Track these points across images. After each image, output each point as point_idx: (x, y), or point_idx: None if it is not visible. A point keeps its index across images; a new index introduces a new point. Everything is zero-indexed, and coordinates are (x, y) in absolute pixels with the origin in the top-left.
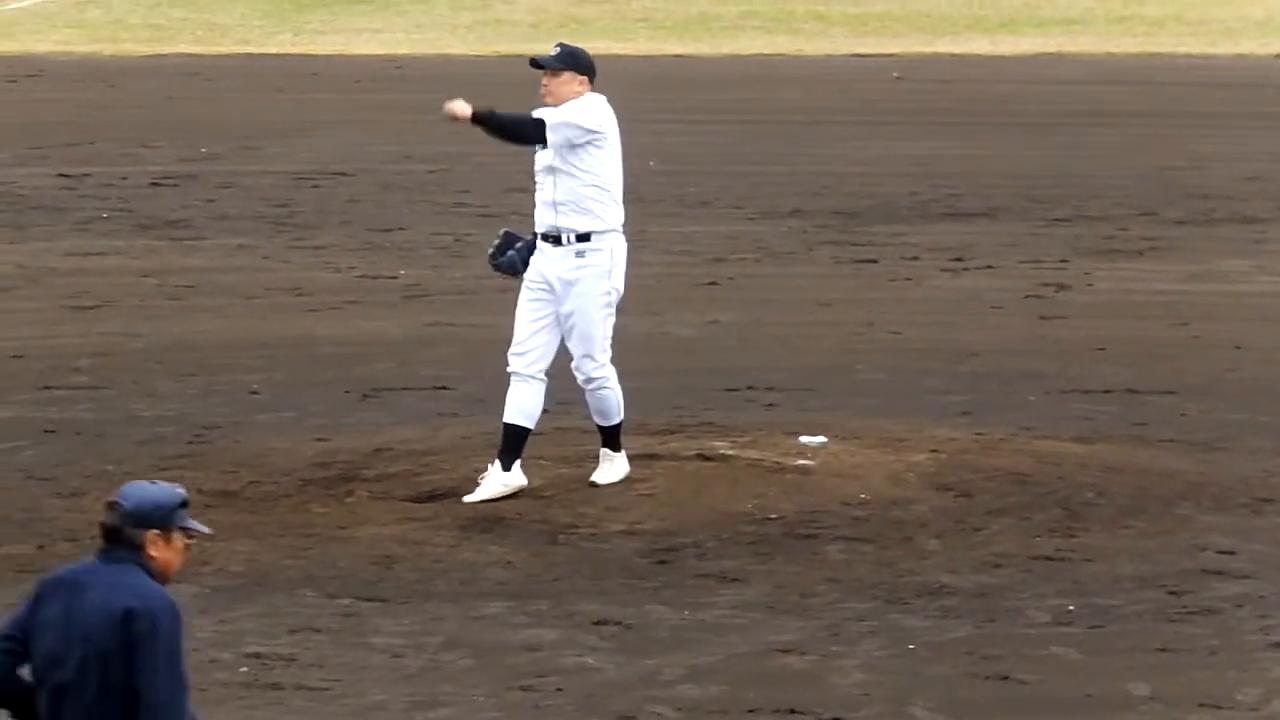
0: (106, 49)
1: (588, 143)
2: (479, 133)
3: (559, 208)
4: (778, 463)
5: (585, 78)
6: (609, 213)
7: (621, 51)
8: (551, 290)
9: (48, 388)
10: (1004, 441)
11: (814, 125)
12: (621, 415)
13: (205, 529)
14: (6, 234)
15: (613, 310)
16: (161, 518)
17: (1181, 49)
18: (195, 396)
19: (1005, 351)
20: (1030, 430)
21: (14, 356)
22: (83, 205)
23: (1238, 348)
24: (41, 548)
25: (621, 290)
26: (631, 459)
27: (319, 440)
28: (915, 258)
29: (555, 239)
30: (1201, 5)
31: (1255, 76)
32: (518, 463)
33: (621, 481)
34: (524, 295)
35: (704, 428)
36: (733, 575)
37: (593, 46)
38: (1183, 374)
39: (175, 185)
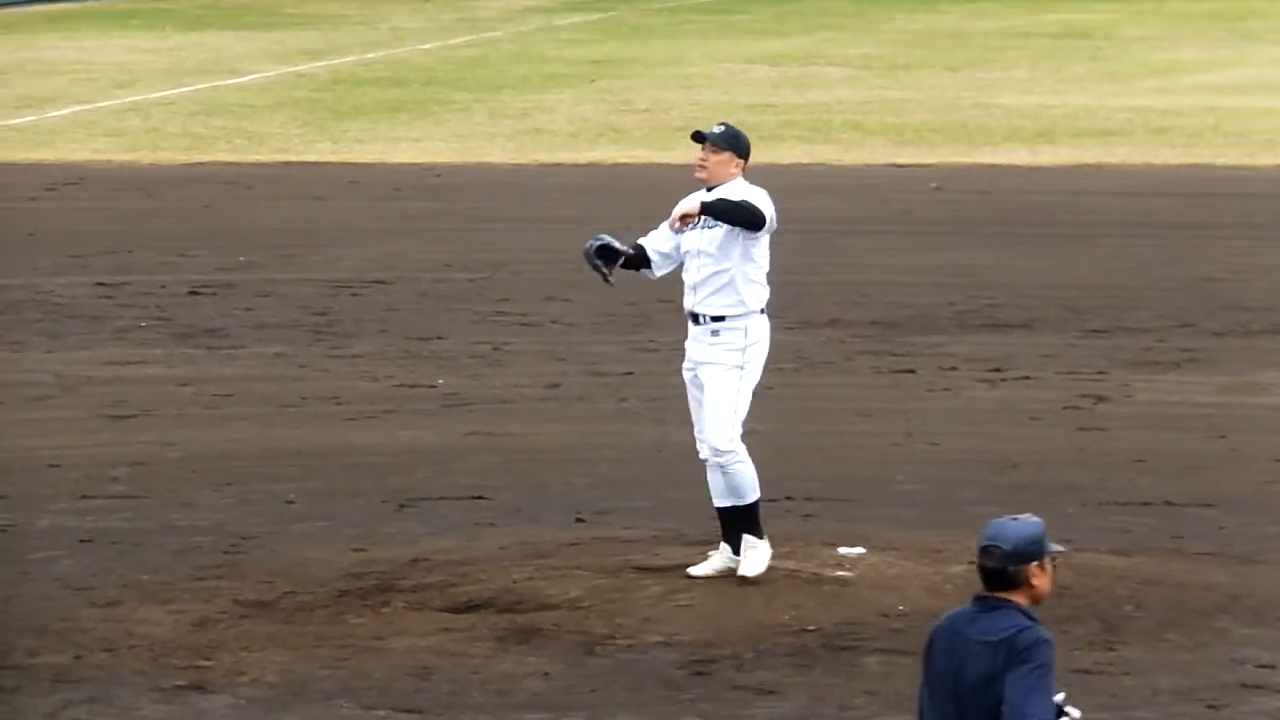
0: (145, 157)
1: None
2: (519, 239)
3: (698, 289)
4: (815, 574)
5: (743, 162)
6: (752, 295)
7: (661, 160)
8: (695, 369)
9: (85, 497)
10: None
11: (852, 234)
12: (757, 493)
13: (1062, 548)
14: (44, 343)
15: (746, 388)
16: (1038, 549)
17: (1221, 160)
18: (231, 506)
19: (1043, 463)
20: (1069, 542)
21: (51, 465)
22: (121, 314)
23: (1276, 460)
24: (79, 657)
25: (759, 371)
26: (667, 570)
27: (355, 550)
28: (953, 368)
29: (694, 318)
30: (1241, 116)
31: None
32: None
33: (713, 574)
34: (688, 384)
35: None
36: (770, 687)
37: (632, 155)
38: (1221, 486)
39: (213, 294)
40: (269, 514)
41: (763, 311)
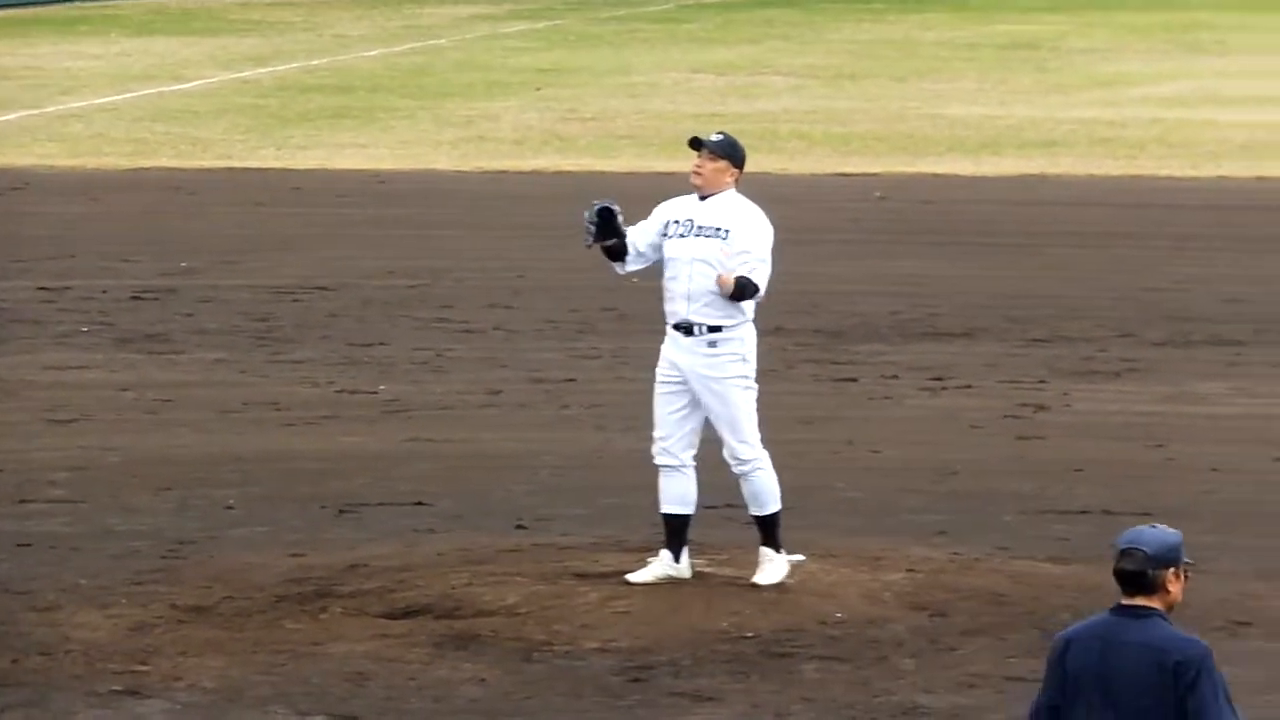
0: (89, 163)
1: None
2: (462, 246)
3: (692, 298)
4: (755, 581)
5: (738, 172)
6: (748, 304)
7: (606, 169)
8: (685, 379)
9: (24, 501)
10: (980, 561)
11: (797, 244)
12: (779, 505)
13: (1191, 561)
14: None
15: (753, 391)
16: (1176, 556)
17: (1164, 171)
18: (170, 511)
19: (983, 471)
20: (1007, 550)
21: None
22: (62, 318)
23: (1214, 470)
24: (15, 661)
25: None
26: (606, 576)
27: (294, 556)
28: (895, 376)
29: (687, 329)
30: (1184, 128)
31: (1237, 199)
32: (684, 551)
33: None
34: (659, 388)
35: None
36: (708, 694)
37: (577, 163)
38: (1159, 495)
39: (155, 299)
40: (208, 519)
41: (752, 321)
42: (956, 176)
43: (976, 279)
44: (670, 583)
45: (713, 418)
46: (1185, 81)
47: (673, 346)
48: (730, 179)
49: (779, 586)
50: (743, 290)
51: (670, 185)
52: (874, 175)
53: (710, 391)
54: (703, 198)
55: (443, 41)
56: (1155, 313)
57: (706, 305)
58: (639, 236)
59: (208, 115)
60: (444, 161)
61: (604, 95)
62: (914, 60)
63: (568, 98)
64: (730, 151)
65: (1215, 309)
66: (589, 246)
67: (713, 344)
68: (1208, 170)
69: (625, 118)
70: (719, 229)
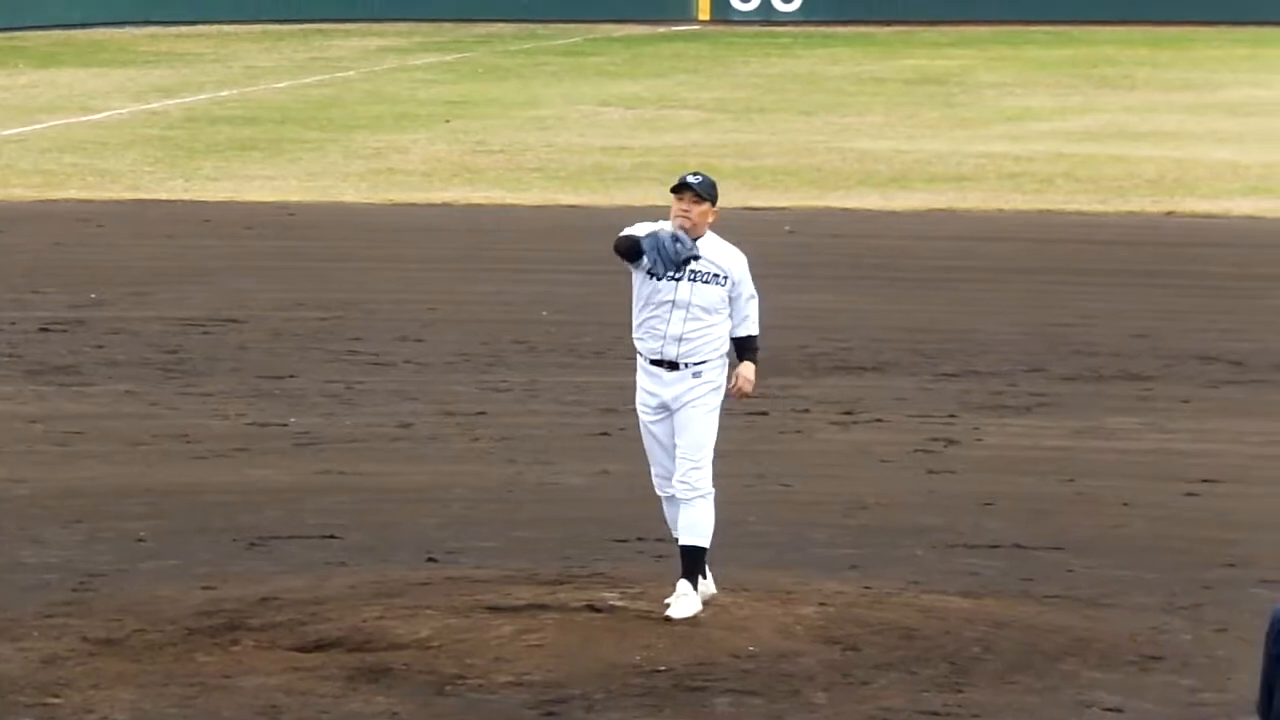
0: None
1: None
2: (372, 278)
3: (682, 342)
4: (667, 614)
5: (716, 211)
6: (727, 339)
7: (516, 201)
8: (666, 409)
9: None
10: (891, 595)
11: None
12: (708, 541)
13: None
14: None
15: (716, 421)
16: None
17: (1071, 206)
18: (81, 543)
19: (893, 505)
20: (918, 584)
21: None
22: None
23: (1125, 504)
24: None
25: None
26: (519, 610)
27: (205, 589)
28: (806, 410)
29: (672, 365)
30: (1092, 163)
31: (1145, 234)
32: (709, 577)
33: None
34: (643, 424)
35: (594, 578)
36: None
37: (486, 196)
38: (1070, 530)
39: (64, 331)
40: (119, 552)
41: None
42: (865, 210)
43: (886, 313)
44: (583, 616)
45: (679, 440)
46: (1093, 116)
47: (652, 380)
48: (712, 219)
49: (691, 620)
50: (756, 354)
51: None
52: (783, 209)
53: (686, 414)
54: (692, 239)
55: (351, 73)
56: (1065, 347)
57: (695, 346)
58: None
59: (116, 147)
60: (353, 193)
61: (513, 128)
62: (821, 94)
63: (477, 130)
64: (712, 192)
65: (1124, 344)
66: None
67: (697, 374)
68: (1115, 205)
69: (534, 150)
70: (718, 275)
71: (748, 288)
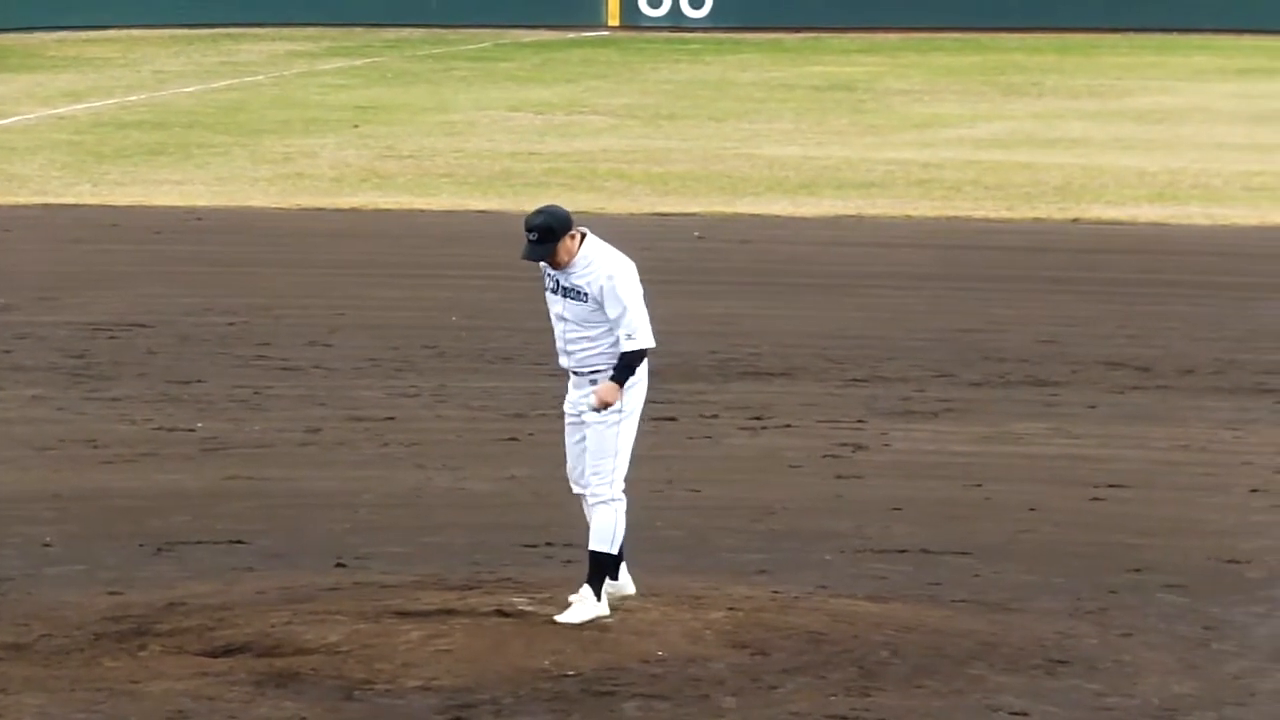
0: None
1: None
2: (281, 284)
3: (570, 354)
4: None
5: (573, 231)
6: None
7: (424, 206)
8: (578, 412)
9: None
10: (800, 600)
11: None
12: (612, 549)
13: None
14: None
15: (627, 432)
16: None
17: (979, 213)
18: None
19: (802, 510)
20: (826, 589)
21: None
22: None
23: (1032, 509)
24: None
25: (639, 411)
26: (428, 615)
27: (112, 594)
28: (715, 416)
29: (574, 373)
30: (1000, 169)
31: (1052, 241)
32: (622, 578)
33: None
34: (566, 422)
35: (502, 583)
36: None
37: (396, 201)
38: (976, 535)
39: None
40: (25, 556)
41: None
42: (774, 217)
43: (795, 319)
44: (492, 621)
45: (587, 446)
46: (1001, 123)
47: (568, 383)
48: (573, 241)
49: (600, 625)
50: (629, 369)
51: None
52: (692, 215)
53: (587, 422)
54: (564, 268)
55: (260, 78)
56: (972, 353)
57: (583, 356)
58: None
59: (23, 152)
60: (261, 198)
61: (421, 133)
62: (730, 101)
63: (385, 135)
64: (552, 234)
65: (1032, 349)
66: None
67: (594, 381)
68: (1023, 212)
69: (443, 156)
70: (580, 292)
71: (614, 303)
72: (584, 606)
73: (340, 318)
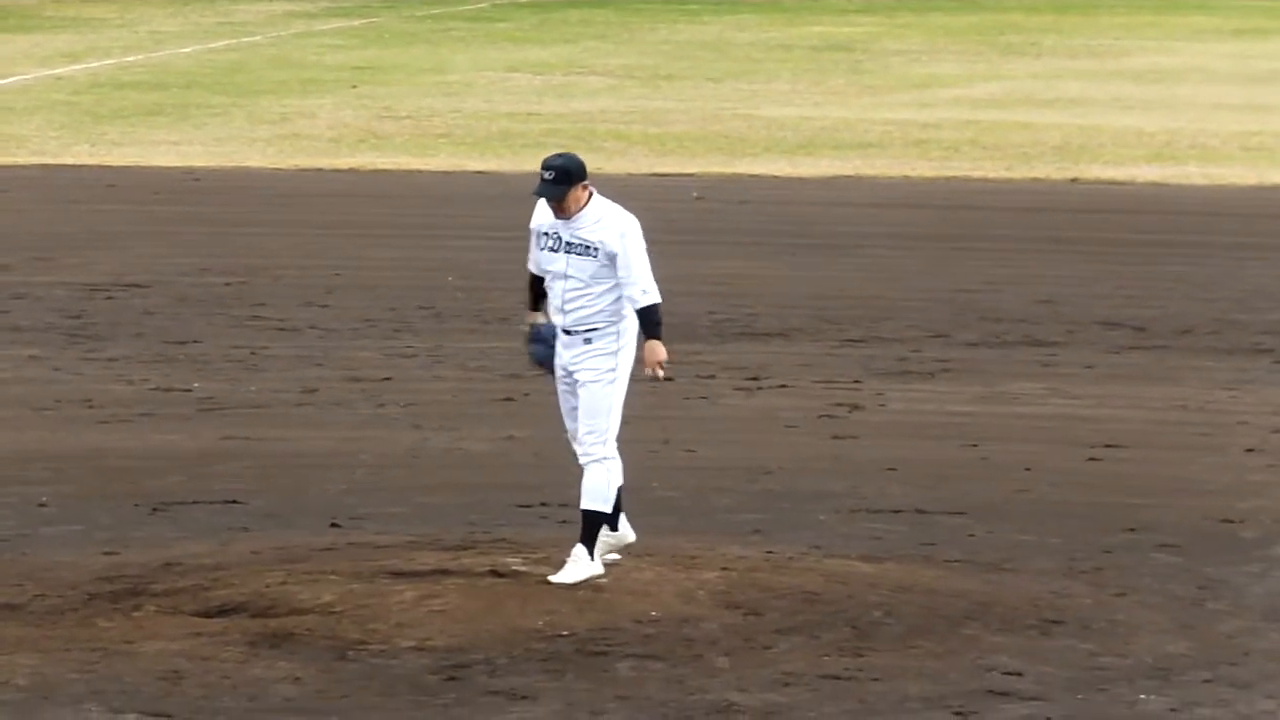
0: None
1: None
2: (278, 244)
3: (567, 312)
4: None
5: (586, 182)
6: (622, 305)
7: (422, 167)
8: (570, 375)
9: None
10: (794, 560)
11: None
12: (604, 508)
13: None
14: None
15: (618, 388)
16: None
17: (977, 173)
18: None
19: (797, 470)
20: (820, 549)
21: None
22: None
23: (1027, 469)
24: None
25: (629, 371)
26: (423, 575)
27: (107, 554)
28: (711, 376)
29: (567, 332)
30: (997, 129)
31: (1050, 201)
32: (621, 528)
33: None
34: (559, 387)
35: (497, 544)
36: (523, 692)
37: (394, 162)
38: (972, 495)
39: None
40: (20, 517)
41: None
42: (773, 177)
43: (792, 279)
44: (486, 581)
45: (579, 406)
46: (999, 83)
47: (561, 346)
48: (583, 194)
49: (594, 585)
50: (656, 325)
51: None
52: (691, 175)
53: (582, 381)
54: (569, 218)
55: (258, 38)
56: (969, 314)
57: (580, 314)
58: (534, 263)
59: (22, 112)
60: (258, 159)
61: (419, 94)
62: (728, 61)
63: (383, 95)
64: (568, 177)
65: (1028, 310)
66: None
67: (588, 340)
68: (1021, 172)
69: (441, 116)
70: (589, 247)
71: (627, 260)
72: (578, 566)
73: (337, 278)
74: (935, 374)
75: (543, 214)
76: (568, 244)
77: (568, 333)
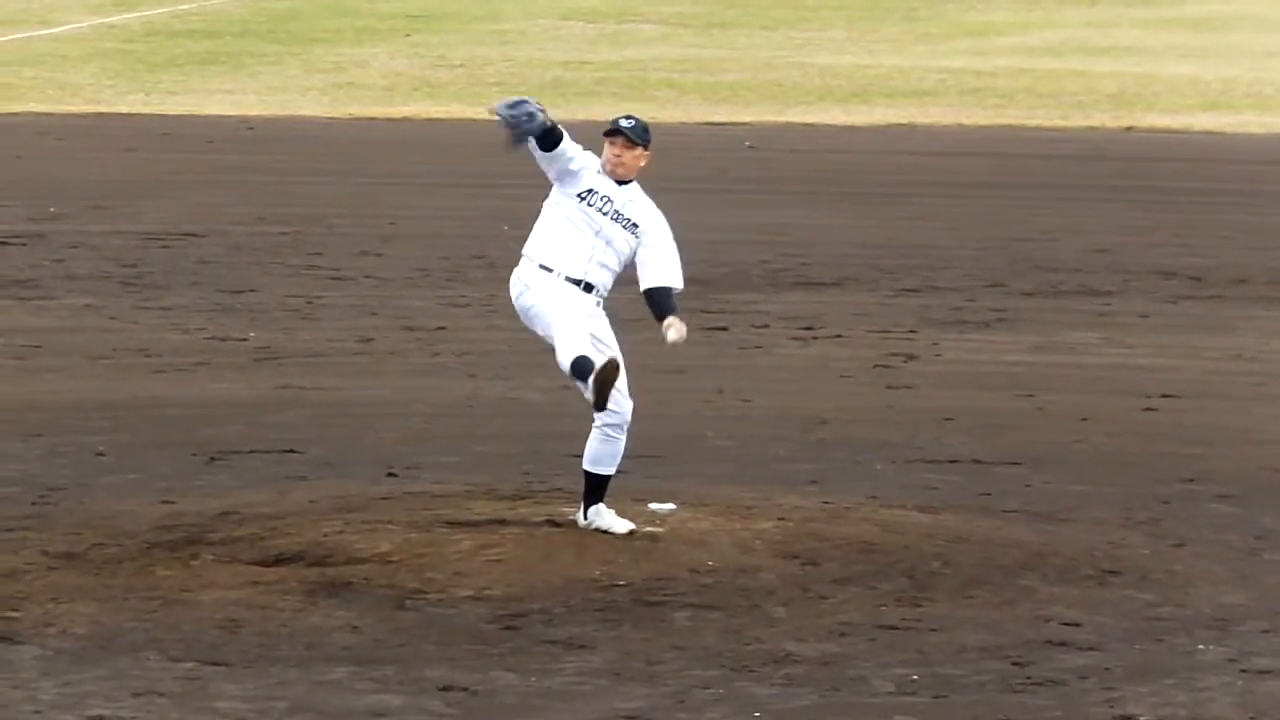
0: None
1: None
2: (332, 193)
3: (591, 272)
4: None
5: (650, 154)
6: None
7: (476, 116)
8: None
9: None
10: (850, 510)
11: (667, 192)
12: (603, 470)
13: None
14: None
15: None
16: None
17: (1033, 121)
18: (41, 457)
19: (853, 420)
20: (877, 499)
21: None
22: None
23: (1084, 419)
24: None
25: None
26: (479, 525)
27: (165, 503)
28: (766, 326)
29: (589, 288)
30: (1053, 78)
31: (1105, 149)
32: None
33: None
34: (578, 323)
35: (553, 493)
36: (579, 642)
37: (447, 110)
38: (1028, 445)
39: (24, 244)
40: (78, 466)
41: None
42: (826, 126)
43: (846, 229)
44: (543, 531)
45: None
46: (1054, 31)
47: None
48: (645, 163)
49: (651, 535)
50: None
51: None
52: (744, 124)
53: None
54: (620, 181)
55: None
56: (1025, 263)
57: (604, 274)
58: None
59: (76, 60)
60: (312, 108)
61: (473, 42)
62: (782, 9)
63: (437, 44)
64: (647, 139)
65: (1084, 259)
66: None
67: (598, 303)
68: (1076, 120)
69: (494, 65)
70: (635, 224)
71: (670, 249)
72: (610, 516)
73: (392, 227)
74: (990, 323)
75: (598, 172)
76: (622, 217)
77: (589, 289)
